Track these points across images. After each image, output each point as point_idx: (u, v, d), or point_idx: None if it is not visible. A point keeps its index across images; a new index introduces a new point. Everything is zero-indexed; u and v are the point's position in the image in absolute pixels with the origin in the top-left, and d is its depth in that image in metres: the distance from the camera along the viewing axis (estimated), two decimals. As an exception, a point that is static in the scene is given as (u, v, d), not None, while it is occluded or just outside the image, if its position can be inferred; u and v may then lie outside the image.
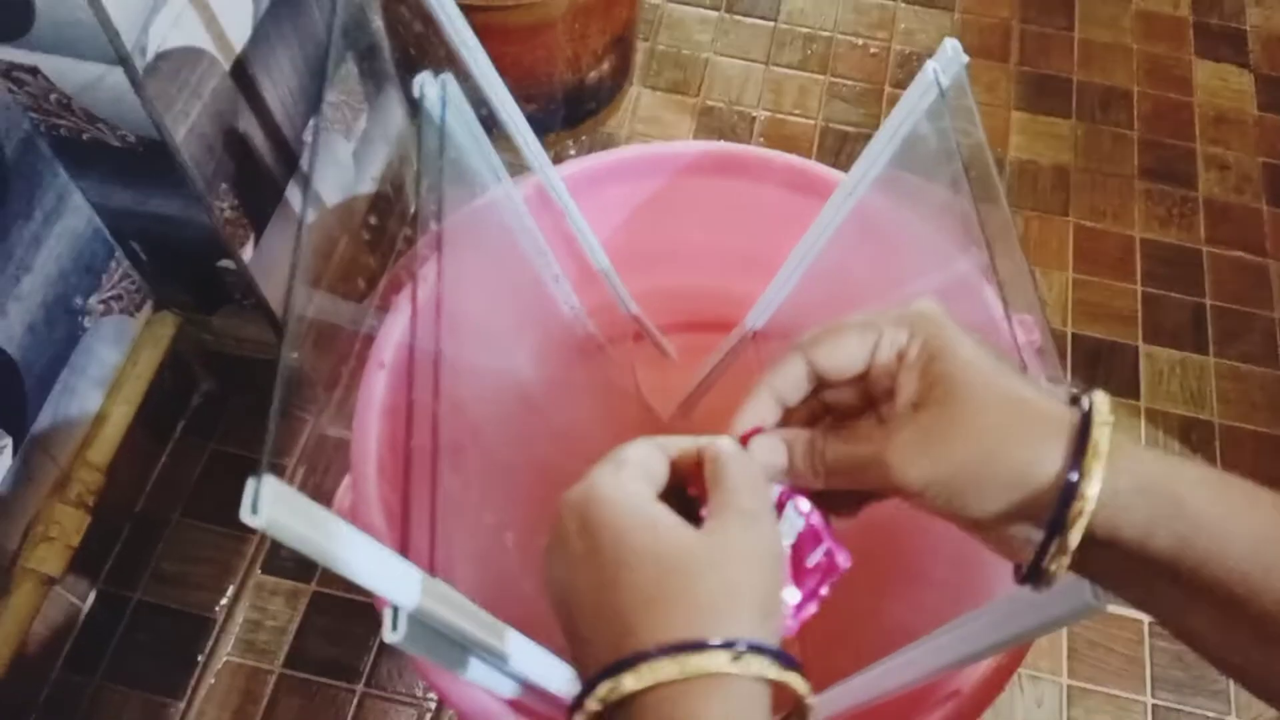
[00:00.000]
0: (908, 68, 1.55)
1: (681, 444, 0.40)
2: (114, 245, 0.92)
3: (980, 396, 0.35)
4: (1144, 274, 1.37)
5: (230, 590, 1.05)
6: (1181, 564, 0.33)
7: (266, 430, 0.37)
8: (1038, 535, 0.35)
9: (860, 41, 1.58)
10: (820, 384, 0.39)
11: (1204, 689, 1.08)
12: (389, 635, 0.42)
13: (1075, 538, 0.33)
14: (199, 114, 0.80)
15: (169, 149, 0.79)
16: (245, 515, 0.35)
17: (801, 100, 1.51)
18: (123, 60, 0.71)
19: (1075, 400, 0.35)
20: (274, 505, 0.34)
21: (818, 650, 0.82)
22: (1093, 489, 0.33)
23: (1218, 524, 0.33)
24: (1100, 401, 0.34)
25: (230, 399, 1.13)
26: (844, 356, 0.38)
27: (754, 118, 1.48)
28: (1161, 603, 0.35)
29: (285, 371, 0.40)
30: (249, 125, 0.87)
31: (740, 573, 0.34)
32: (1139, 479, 0.33)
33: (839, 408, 0.40)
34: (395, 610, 0.42)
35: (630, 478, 0.37)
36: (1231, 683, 1.08)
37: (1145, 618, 1.12)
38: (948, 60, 0.60)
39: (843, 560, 0.41)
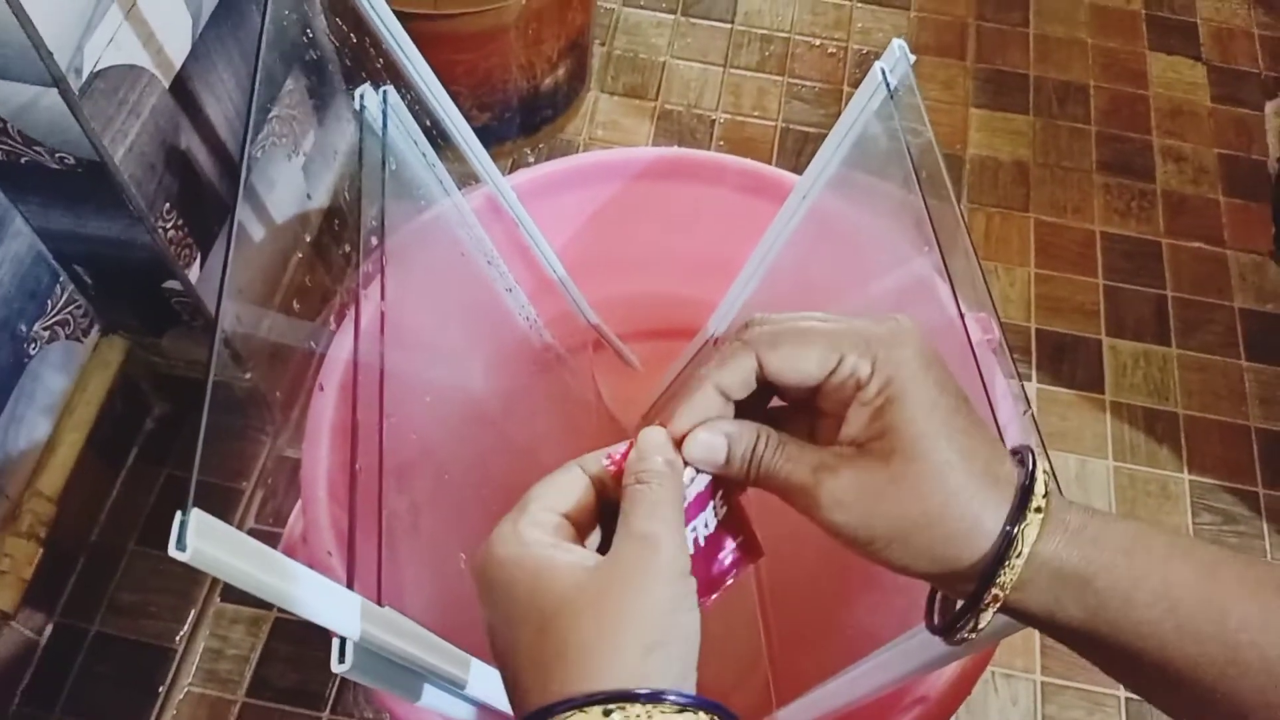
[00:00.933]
0: (865, 67, 1.55)
1: (601, 459, 0.38)
2: (58, 269, 0.90)
3: (925, 461, 0.34)
4: (1105, 267, 1.37)
5: (190, 619, 1.03)
6: (1095, 632, 0.34)
7: (193, 464, 0.35)
8: (957, 590, 0.36)
9: (818, 42, 1.58)
10: (767, 385, 0.38)
11: (1177, 680, 1.08)
12: (336, 666, 0.41)
13: (986, 618, 0.35)
14: (139, 133, 0.78)
15: (108, 170, 0.76)
16: (172, 550, 0.34)
17: (760, 102, 1.50)
18: (57, 81, 0.69)
19: (1020, 460, 0.36)
20: (201, 539, 0.33)
21: (785, 660, 0.81)
22: (1009, 577, 0.34)
23: (1125, 596, 0.33)
24: (1037, 483, 0.35)
25: (184, 422, 1.11)
26: (798, 372, 0.36)
27: (713, 120, 1.48)
28: (1085, 654, 0.36)
29: (208, 420, 0.38)
30: (192, 143, 0.85)
31: (621, 606, 0.33)
32: (1054, 566, 0.34)
33: (780, 407, 0.39)
34: (342, 640, 0.41)
35: (527, 524, 0.36)
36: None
37: (1116, 611, 1.12)
38: (895, 60, 0.59)
39: (750, 555, 0.41)
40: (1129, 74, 1.58)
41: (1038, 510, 0.34)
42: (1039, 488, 0.35)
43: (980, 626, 0.35)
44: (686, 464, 0.38)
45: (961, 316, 0.57)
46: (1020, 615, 0.35)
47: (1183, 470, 1.21)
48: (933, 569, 0.35)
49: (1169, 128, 1.52)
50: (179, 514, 0.34)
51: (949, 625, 0.36)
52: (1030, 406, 0.50)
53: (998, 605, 0.34)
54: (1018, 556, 0.33)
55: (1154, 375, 1.29)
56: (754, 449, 0.37)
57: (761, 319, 0.38)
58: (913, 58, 0.59)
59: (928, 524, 0.34)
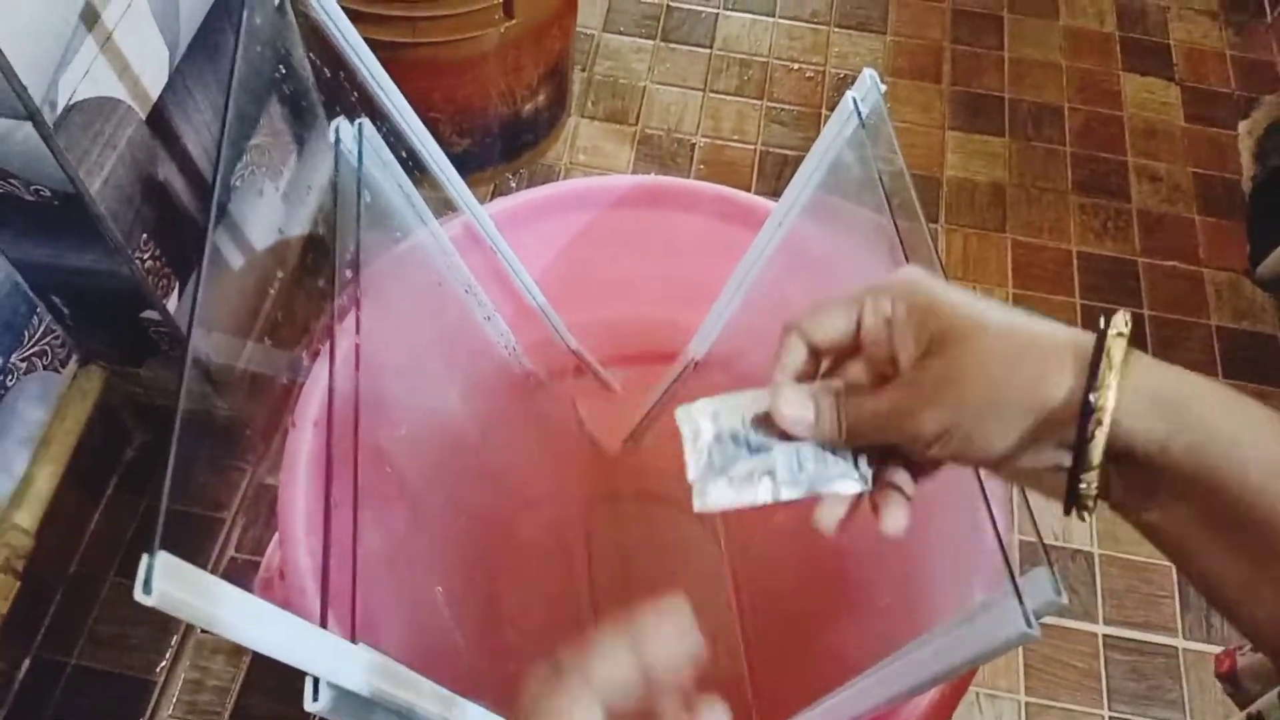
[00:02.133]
0: (843, 90, 1.55)
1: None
2: (35, 300, 0.89)
3: (978, 334, 0.35)
4: (1082, 286, 1.38)
5: (170, 651, 1.02)
6: (1198, 479, 0.33)
7: (156, 503, 0.35)
8: (1064, 459, 0.35)
9: (795, 66, 1.59)
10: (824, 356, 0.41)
11: (1159, 699, 1.08)
12: (310, 705, 0.41)
13: (1098, 453, 0.33)
14: (115, 165, 0.78)
15: (85, 201, 0.76)
16: (138, 594, 0.34)
17: (740, 126, 1.51)
18: (31, 114, 0.69)
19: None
20: (167, 582, 0.33)
21: (767, 684, 0.81)
22: (1109, 400, 0.33)
23: (1231, 439, 0.33)
24: (1117, 316, 0.34)
25: (164, 452, 1.11)
26: (830, 328, 0.39)
27: (693, 144, 1.49)
28: (1182, 534, 0.35)
29: (185, 451, 0.38)
30: (169, 173, 0.85)
31: None
32: (1152, 389, 0.33)
33: (851, 385, 0.41)
34: (316, 679, 0.41)
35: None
36: (1187, 692, 1.08)
37: (1100, 629, 1.12)
38: (866, 90, 0.60)
39: None
40: (1103, 95, 1.59)
41: (1119, 335, 0.34)
42: (1119, 317, 0.34)
43: (1093, 462, 0.34)
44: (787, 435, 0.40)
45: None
46: (1130, 463, 0.34)
47: (1162, 488, 1.22)
48: (1030, 429, 0.35)
49: (1143, 148, 1.53)
50: (145, 556, 0.34)
51: (1072, 477, 0.35)
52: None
53: (1104, 432, 0.33)
54: (1110, 371, 0.33)
55: (1133, 393, 1.29)
56: (837, 398, 0.39)
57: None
58: (884, 87, 0.59)
59: (1011, 376, 0.34)
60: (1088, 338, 0.35)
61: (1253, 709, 0.64)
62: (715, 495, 0.41)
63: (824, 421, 0.39)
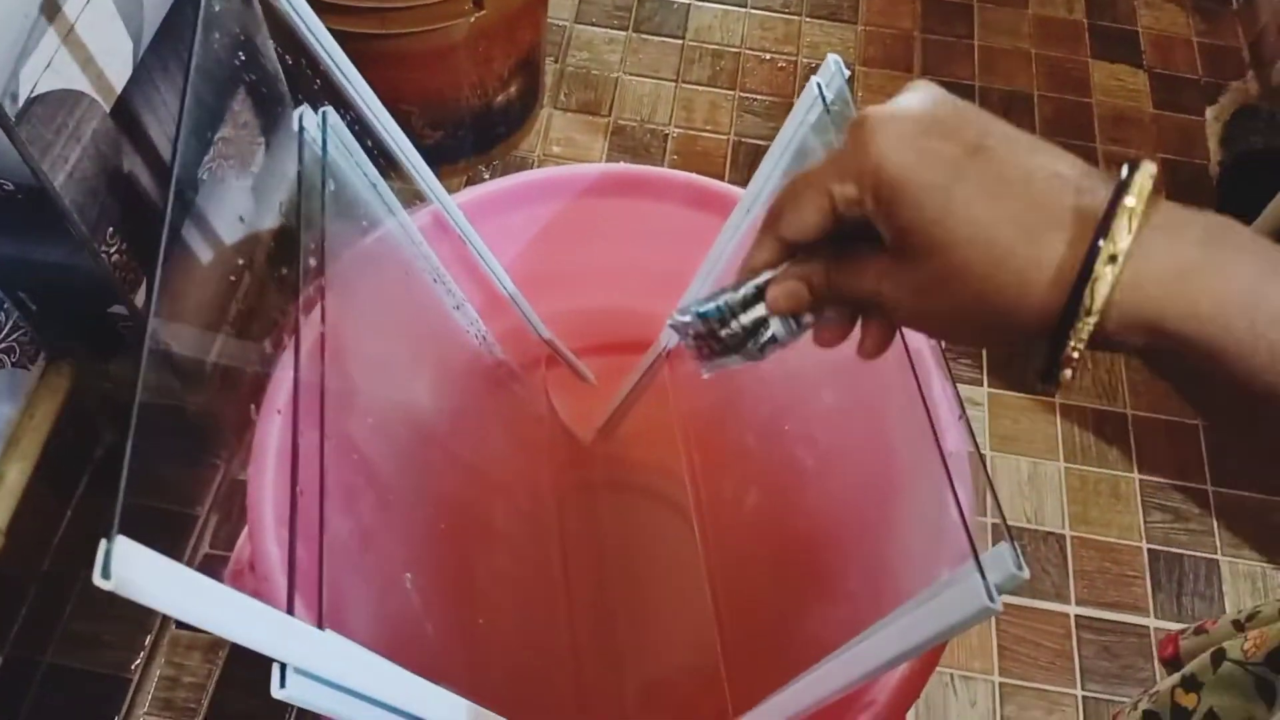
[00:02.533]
0: (815, 80, 1.56)
1: None
2: (1, 297, 0.89)
3: (945, 251, 0.31)
4: (1053, 272, 1.39)
5: (145, 647, 1.01)
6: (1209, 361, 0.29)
7: (117, 490, 0.35)
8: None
9: (768, 56, 1.59)
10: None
11: (1131, 678, 1.10)
12: (276, 691, 0.41)
13: (1079, 349, 0.30)
14: (79, 158, 0.77)
15: (49, 195, 0.76)
16: (96, 579, 0.34)
17: (713, 116, 1.52)
18: (-8, 106, 0.69)
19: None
20: (126, 567, 0.33)
21: (742, 672, 0.82)
22: (1096, 315, 0.29)
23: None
24: (1141, 176, 0.29)
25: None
26: (805, 226, 0.36)
27: (666, 135, 1.49)
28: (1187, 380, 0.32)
29: (154, 447, 0.38)
30: (134, 166, 0.84)
31: None
32: (1158, 299, 0.29)
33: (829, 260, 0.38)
34: (283, 665, 0.41)
35: None
36: (1159, 672, 1.09)
37: (1072, 610, 1.13)
38: (831, 75, 0.60)
39: None
40: (1073, 83, 1.60)
41: (1125, 215, 0.29)
42: (1145, 176, 0.30)
43: (1073, 359, 0.31)
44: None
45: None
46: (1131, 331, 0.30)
47: (1133, 470, 1.23)
48: (1012, 336, 0.32)
49: (1113, 134, 1.55)
50: (104, 541, 0.34)
51: (1047, 372, 0.32)
52: (965, 411, 0.51)
53: (1095, 340, 0.30)
54: (1095, 291, 0.29)
55: (1102, 377, 1.31)
56: (827, 275, 0.37)
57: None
58: (848, 72, 0.60)
59: (981, 309, 0.31)
60: (1087, 226, 0.30)
61: (1186, 670, 0.65)
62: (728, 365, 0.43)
63: (817, 296, 0.37)
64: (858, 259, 0.36)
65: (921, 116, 0.33)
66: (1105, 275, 0.29)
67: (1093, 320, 0.29)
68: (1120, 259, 0.29)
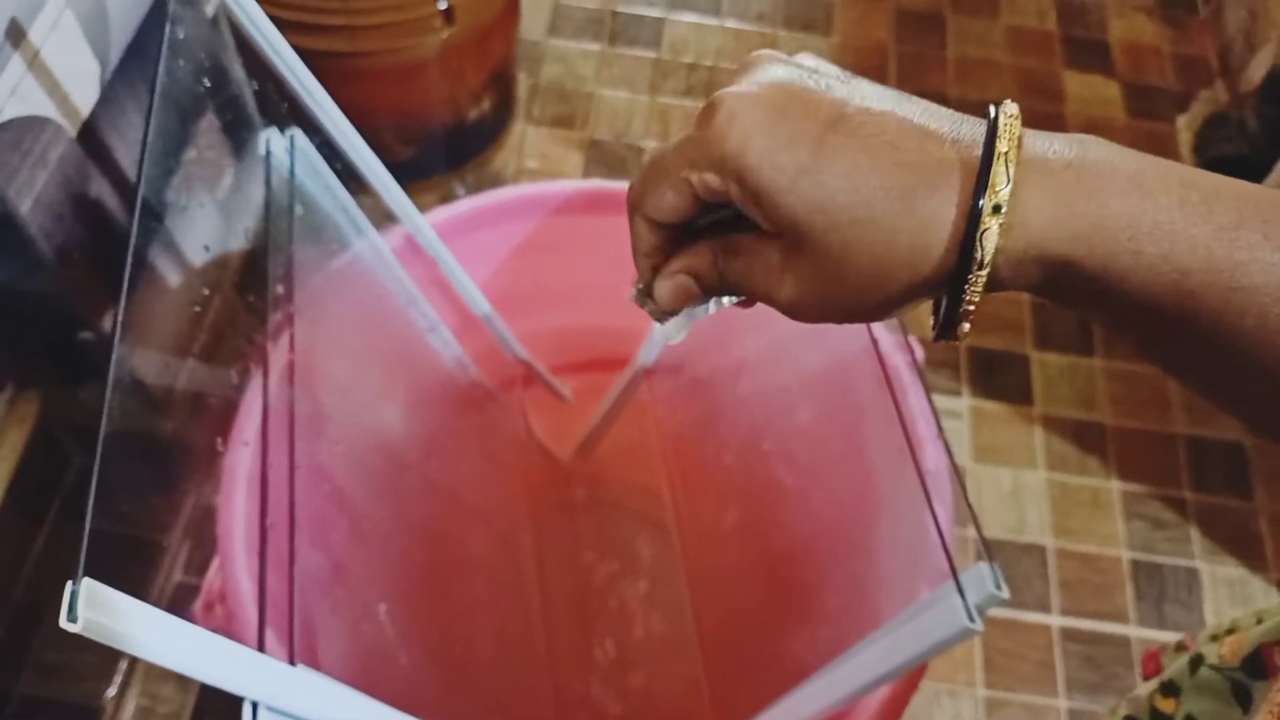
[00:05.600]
0: (790, 92, 1.57)
1: None
2: (-34, 323, 0.87)
3: (824, 240, 0.30)
4: (1029, 282, 1.40)
5: (118, 677, 1.00)
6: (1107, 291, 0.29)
7: (83, 529, 0.34)
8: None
9: (742, 69, 1.59)
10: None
11: (1114, 688, 1.09)
12: (247, 730, 0.40)
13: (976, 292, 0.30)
14: (46, 184, 0.76)
15: (15, 222, 0.75)
16: (63, 621, 0.33)
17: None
18: (-46, 132, 0.67)
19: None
20: (93, 609, 0.32)
21: (727, 694, 0.81)
22: (977, 283, 0.29)
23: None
24: (1006, 118, 0.29)
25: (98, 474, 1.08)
26: (668, 209, 0.33)
27: (642, 149, 1.48)
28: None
29: (124, 474, 0.37)
30: (102, 191, 0.83)
31: None
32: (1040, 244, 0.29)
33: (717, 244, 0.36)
34: (254, 704, 0.40)
35: None
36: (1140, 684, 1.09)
37: (1054, 621, 1.13)
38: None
39: None
40: (1046, 92, 1.61)
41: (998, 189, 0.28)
42: (1008, 125, 0.29)
43: (971, 304, 0.30)
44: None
45: (875, 341, 0.57)
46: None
47: (1112, 479, 1.24)
48: (900, 305, 0.31)
49: (1086, 143, 1.56)
50: (70, 583, 0.33)
51: (945, 327, 0.31)
52: (942, 428, 0.51)
53: (989, 287, 0.30)
54: (979, 268, 0.29)
55: (1080, 387, 1.31)
56: (718, 270, 0.35)
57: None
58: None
59: (880, 278, 0.30)
60: (965, 182, 0.29)
61: (1164, 676, 0.65)
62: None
63: (708, 289, 0.35)
64: (745, 248, 0.34)
65: (774, 95, 0.31)
66: (992, 226, 0.28)
67: (985, 272, 0.29)
68: (1004, 207, 0.28)
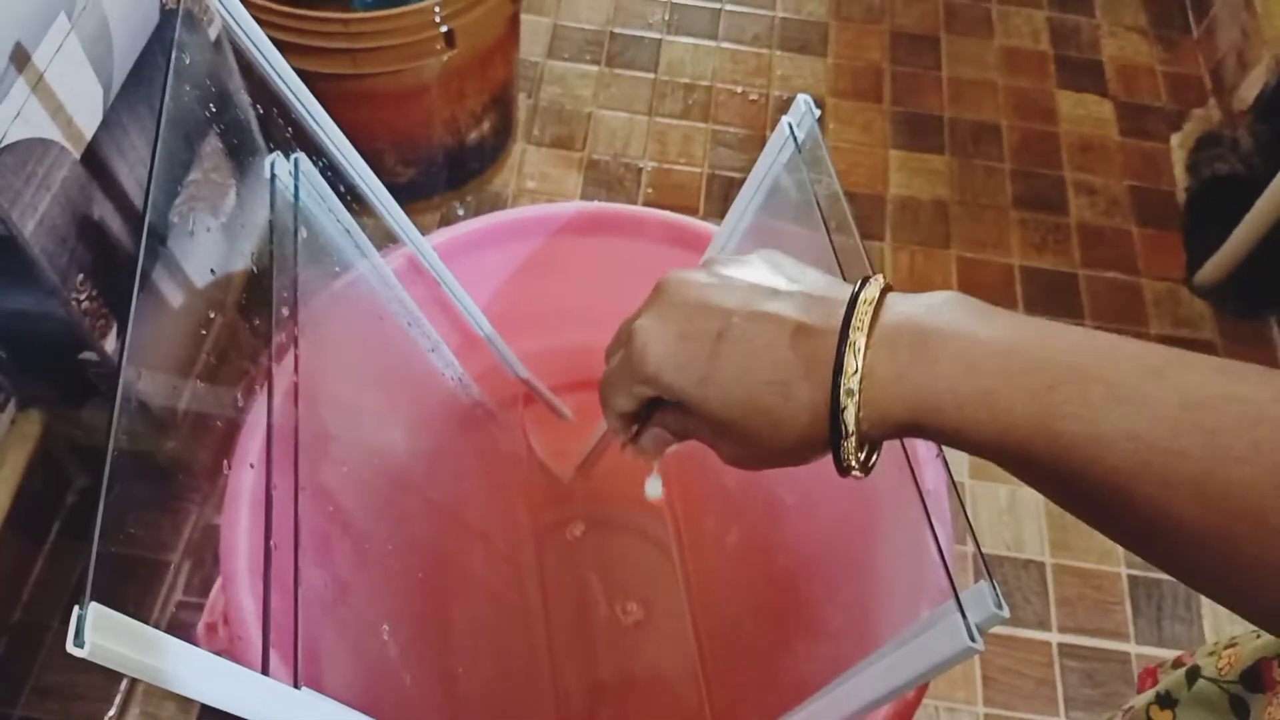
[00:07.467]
0: (787, 111, 1.58)
1: None
2: (-31, 345, 0.88)
3: (732, 414, 0.37)
4: (1025, 300, 1.41)
5: (118, 698, 0.99)
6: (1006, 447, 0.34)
7: (90, 552, 0.35)
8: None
9: (739, 89, 1.61)
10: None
11: (1114, 704, 1.09)
12: (253, 753, 0.40)
13: (858, 457, 0.36)
14: (49, 206, 0.77)
15: (19, 244, 0.75)
16: (70, 646, 0.33)
17: (686, 149, 1.53)
18: (-40, 155, 0.68)
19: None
20: (100, 634, 0.32)
21: (727, 710, 0.81)
22: (850, 445, 0.35)
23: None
24: (862, 306, 0.35)
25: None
26: (628, 406, 0.42)
27: (640, 169, 1.50)
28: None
29: (126, 493, 0.38)
30: (105, 213, 0.84)
31: None
32: (903, 395, 0.34)
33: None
34: (259, 726, 0.40)
35: None
36: (1140, 696, 1.09)
37: (1054, 637, 1.14)
38: (801, 115, 0.60)
39: None
40: (1039, 112, 1.63)
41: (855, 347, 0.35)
42: (862, 303, 0.35)
43: (869, 462, 0.37)
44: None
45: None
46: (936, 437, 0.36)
47: (1110, 496, 1.24)
48: (811, 455, 0.38)
49: (1080, 162, 1.57)
50: (76, 608, 0.34)
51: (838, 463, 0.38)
52: (942, 448, 0.51)
53: (866, 445, 0.36)
54: (847, 412, 0.35)
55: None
56: (681, 423, 0.42)
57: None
58: (818, 111, 0.60)
59: (778, 447, 0.38)
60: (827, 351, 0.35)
61: (1161, 687, 0.65)
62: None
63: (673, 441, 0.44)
64: (690, 418, 0.41)
65: (676, 318, 0.38)
66: (849, 405, 0.34)
67: (853, 439, 0.35)
68: (855, 391, 0.34)
